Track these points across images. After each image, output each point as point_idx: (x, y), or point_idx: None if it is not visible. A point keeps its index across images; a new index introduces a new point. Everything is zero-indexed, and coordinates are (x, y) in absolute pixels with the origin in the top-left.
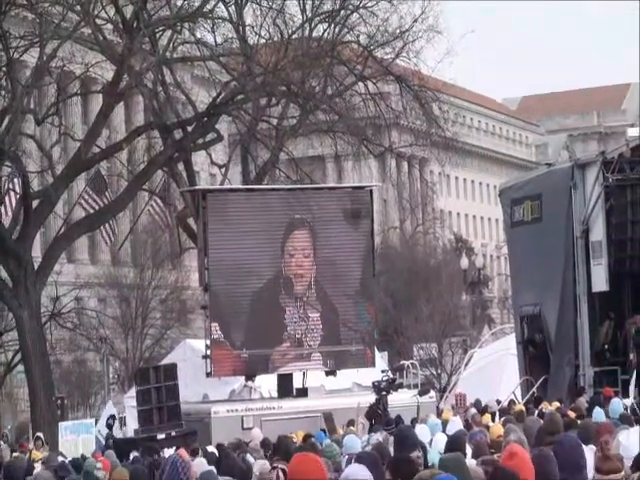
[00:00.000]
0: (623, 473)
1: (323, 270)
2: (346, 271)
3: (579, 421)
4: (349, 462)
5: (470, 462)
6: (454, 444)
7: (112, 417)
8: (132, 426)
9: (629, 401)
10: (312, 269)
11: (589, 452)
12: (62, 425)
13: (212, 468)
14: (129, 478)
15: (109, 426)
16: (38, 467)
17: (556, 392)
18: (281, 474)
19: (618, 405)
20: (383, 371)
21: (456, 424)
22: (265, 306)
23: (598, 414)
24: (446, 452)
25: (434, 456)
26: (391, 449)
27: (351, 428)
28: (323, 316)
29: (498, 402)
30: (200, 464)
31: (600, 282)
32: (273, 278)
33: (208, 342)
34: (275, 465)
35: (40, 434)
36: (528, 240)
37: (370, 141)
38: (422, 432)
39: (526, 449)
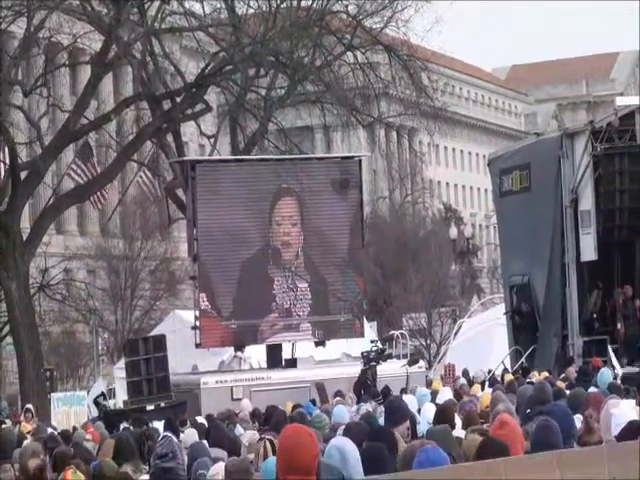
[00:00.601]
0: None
1: (311, 240)
2: (335, 241)
3: (568, 391)
4: (333, 432)
5: (460, 432)
6: (443, 414)
7: (102, 395)
8: (121, 397)
9: (618, 371)
10: (300, 238)
11: (578, 422)
12: (54, 396)
13: (202, 439)
14: (114, 447)
15: (96, 403)
16: (28, 439)
17: (544, 362)
18: (269, 445)
19: (607, 375)
20: (372, 341)
21: (446, 394)
22: (254, 276)
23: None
24: (435, 422)
25: (423, 426)
26: (381, 420)
27: (339, 399)
28: (312, 286)
29: (489, 372)
30: (191, 435)
31: (589, 251)
32: (261, 248)
33: (197, 313)
34: (263, 436)
35: (30, 406)
36: (517, 210)
37: (359, 111)
38: (409, 402)
39: (515, 419)
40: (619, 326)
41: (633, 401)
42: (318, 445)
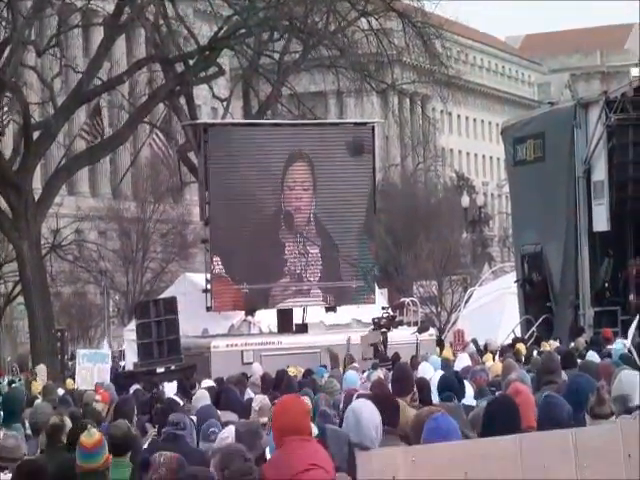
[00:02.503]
0: (614, 417)
1: (324, 205)
2: (347, 207)
3: (579, 360)
4: (348, 398)
5: (471, 401)
6: (446, 382)
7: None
8: (131, 359)
9: (627, 342)
10: (312, 203)
11: None
12: (80, 352)
13: (210, 403)
14: (115, 406)
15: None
16: (38, 398)
17: (560, 334)
18: None
19: (619, 346)
20: (383, 308)
21: (464, 361)
22: (265, 241)
23: (591, 355)
24: (442, 390)
25: (434, 394)
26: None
27: (353, 364)
28: (323, 251)
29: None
30: (201, 396)
31: (601, 222)
32: (273, 213)
33: (208, 276)
34: (275, 401)
35: (42, 366)
36: (530, 179)
37: (372, 77)
38: (425, 370)
39: (528, 387)
40: (631, 297)
41: None
42: (307, 406)
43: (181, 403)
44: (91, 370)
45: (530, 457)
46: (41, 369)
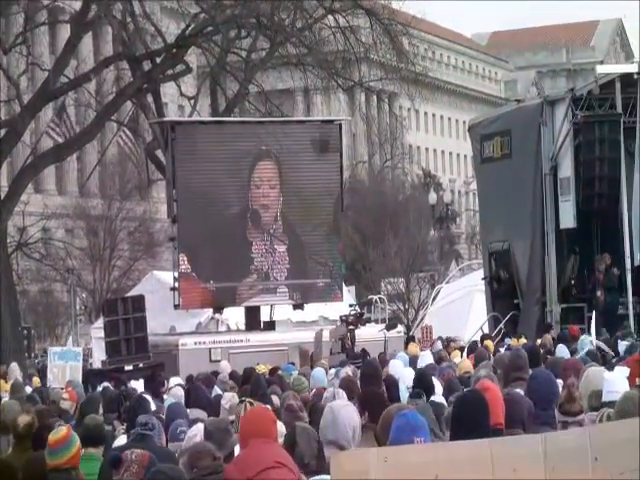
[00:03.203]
0: (583, 415)
1: (290, 203)
2: (314, 205)
3: (548, 357)
4: (317, 397)
5: (440, 398)
6: (422, 378)
7: None
8: (99, 357)
9: (594, 339)
10: (278, 201)
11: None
12: (51, 350)
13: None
14: (81, 404)
15: None
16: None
17: (526, 330)
18: (249, 407)
19: (586, 342)
20: (351, 305)
21: (426, 358)
22: (232, 239)
23: (561, 350)
24: (415, 387)
25: (402, 391)
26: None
27: (320, 362)
28: (290, 249)
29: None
30: (175, 394)
31: (568, 219)
32: (240, 210)
33: (176, 274)
34: (243, 399)
35: (14, 364)
36: (497, 176)
37: (339, 75)
38: (395, 367)
39: (496, 385)
40: (599, 294)
41: (625, 368)
42: (273, 415)
43: (150, 400)
44: (63, 368)
45: (500, 460)
46: (13, 367)
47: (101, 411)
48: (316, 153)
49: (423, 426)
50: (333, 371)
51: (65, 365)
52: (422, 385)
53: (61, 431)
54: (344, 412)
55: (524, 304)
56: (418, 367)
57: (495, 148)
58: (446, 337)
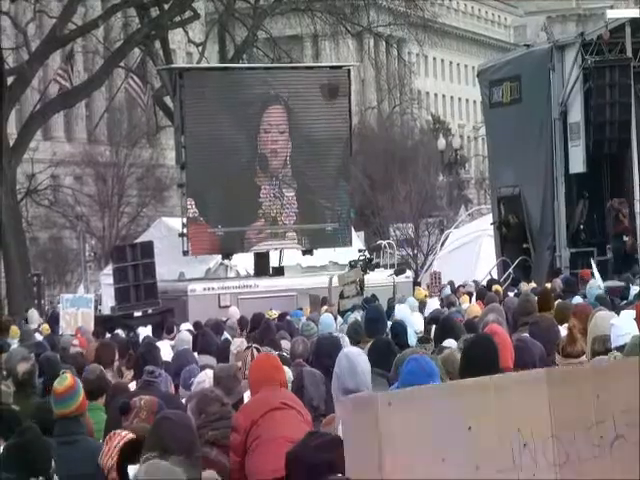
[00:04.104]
0: (584, 357)
1: (300, 148)
2: (323, 150)
3: (556, 301)
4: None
5: (449, 345)
6: (446, 326)
7: None
8: (108, 304)
9: (600, 282)
10: (287, 146)
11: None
12: (63, 297)
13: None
14: (96, 351)
15: None
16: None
17: (539, 275)
18: (256, 353)
19: (595, 287)
20: (360, 250)
21: (432, 304)
22: (240, 184)
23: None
24: (438, 334)
25: (410, 336)
26: None
27: (326, 307)
28: (298, 194)
29: (475, 282)
30: (183, 340)
31: (577, 164)
32: (249, 156)
33: (184, 220)
34: (250, 344)
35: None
36: (507, 121)
37: (348, 20)
38: (401, 312)
39: (505, 329)
40: (626, 238)
41: (633, 312)
42: (279, 362)
43: (159, 346)
44: (75, 315)
45: (504, 397)
46: (32, 314)
47: (117, 357)
48: (325, 99)
49: (436, 372)
50: (340, 317)
51: (77, 312)
52: (445, 331)
53: (66, 380)
54: (361, 359)
55: (536, 249)
56: (425, 314)
57: (504, 93)
58: (456, 283)
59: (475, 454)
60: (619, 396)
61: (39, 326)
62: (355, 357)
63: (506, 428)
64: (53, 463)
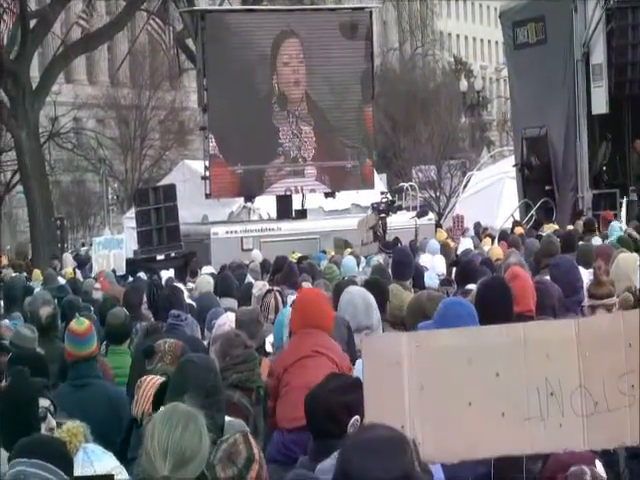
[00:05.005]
0: (615, 298)
1: (319, 85)
2: (344, 90)
3: (580, 242)
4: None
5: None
6: (466, 268)
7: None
8: (131, 247)
9: (624, 225)
10: (305, 80)
11: (588, 275)
12: (96, 240)
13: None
14: (124, 294)
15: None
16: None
17: (562, 217)
18: (278, 296)
19: (617, 228)
20: (382, 193)
21: (466, 244)
22: (259, 123)
23: (595, 240)
24: (459, 277)
25: (432, 279)
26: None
27: (348, 250)
28: (316, 130)
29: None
30: (204, 282)
31: (600, 105)
32: (267, 94)
33: (207, 163)
34: (271, 288)
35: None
36: (532, 62)
37: None
38: (425, 261)
39: (526, 271)
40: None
41: None
42: (328, 305)
43: (183, 289)
44: (107, 257)
45: (533, 346)
46: (67, 257)
47: (145, 299)
48: (346, 39)
49: (475, 316)
50: (365, 260)
51: (109, 254)
52: (464, 274)
53: (85, 322)
54: (370, 297)
55: (559, 191)
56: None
57: (530, 34)
58: (481, 226)
59: (501, 401)
60: None
61: (61, 269)
62: (366, 295)
63: (534, 377)
64: (47, 404)
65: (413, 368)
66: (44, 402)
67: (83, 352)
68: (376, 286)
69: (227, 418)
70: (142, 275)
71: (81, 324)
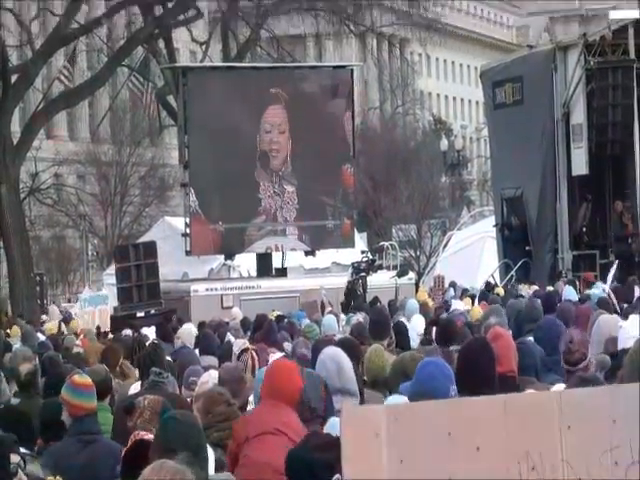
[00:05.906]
0: (586, 360)
1: (301, 147)
2: (325, 149)
3: (558, 304)
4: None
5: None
6: (446, 328)
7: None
8: (111, 304)
9: (607, 287)
10: (288, 145)
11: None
12: (81, 297)
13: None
14: (102, 352)
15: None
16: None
17: (539, 277)
18: (255, 355)
19: (598, 290)
20: (363, 252)
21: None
22: (241, 181)
23: (569, 293)
24: (439, 337)
25: (412, 338)
26: None
27: (330, 309)
28: (299, 190)
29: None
30: (188, 331)
31: (580, 165)
32: (249, 153)
33: (187, 220)
34: (247, 347)
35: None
36: (510, 122)
37: (351, 20)
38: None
39: (508, 331)
40: (629, 242)
41: (637, 316)
42: (301, 381)
43: (164, 347)
44: (93, 313)
45: (514, 418)
46: (53, 310)
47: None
48: (328, 98)
49: (452, 375)
50: (345, 318)
51: (95, 310)
52: (445, 334)
53: (85, 376)
54: (344, 358)
55: (535, 251)
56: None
57: (507, 94)
58: (456, 285)
59: (482, 476)
60: (637, 421)
61: (42, 324)
62: (339, 357)
63: (515, 450)
64: (17, 460)
65: (392, 441)
66: (14, 458)
67: (91, 405)
68: (349, 346)
69: (211, 473)
70: (128, 332)
71: (84, 378)
